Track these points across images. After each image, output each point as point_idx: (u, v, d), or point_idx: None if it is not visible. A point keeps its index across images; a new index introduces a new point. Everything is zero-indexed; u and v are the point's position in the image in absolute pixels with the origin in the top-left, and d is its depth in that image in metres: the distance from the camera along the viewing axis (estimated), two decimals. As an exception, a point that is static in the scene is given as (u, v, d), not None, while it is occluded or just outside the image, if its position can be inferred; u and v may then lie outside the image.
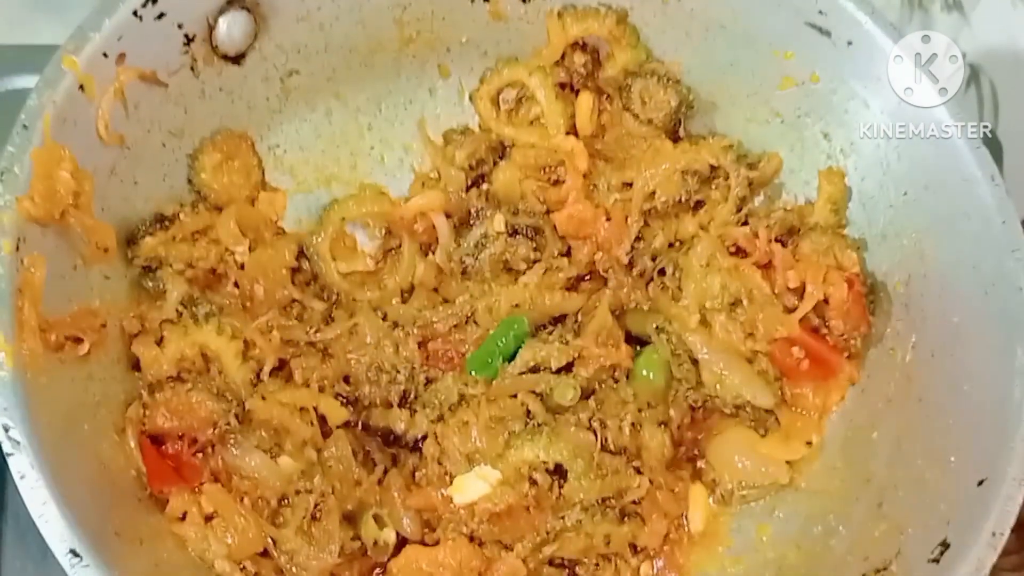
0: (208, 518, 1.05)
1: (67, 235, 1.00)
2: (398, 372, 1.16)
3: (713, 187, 1.24)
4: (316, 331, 1.17)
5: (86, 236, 1.02)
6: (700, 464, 1.20)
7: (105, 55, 1.01)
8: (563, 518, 1.09)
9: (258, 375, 1.12)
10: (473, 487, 1.08)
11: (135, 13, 1.02)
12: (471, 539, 1.08)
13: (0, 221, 0.92)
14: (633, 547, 1.14)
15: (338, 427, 1.12)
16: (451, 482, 1.09)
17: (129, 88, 1.04)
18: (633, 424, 1.15)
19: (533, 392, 1.14)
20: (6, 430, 0.86)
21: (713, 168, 1.23)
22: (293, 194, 1.28)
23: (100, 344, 1.03)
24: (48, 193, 0.96)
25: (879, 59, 1.14)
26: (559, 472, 1.10)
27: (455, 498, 1.08)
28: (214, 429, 1.06)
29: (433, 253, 1.24)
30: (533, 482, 1.09)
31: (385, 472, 1.12)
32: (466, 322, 1.20)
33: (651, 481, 1.14)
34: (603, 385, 1.16)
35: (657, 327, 1.18)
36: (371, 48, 1.27)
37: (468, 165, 1.27)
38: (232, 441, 1.06)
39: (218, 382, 1.10)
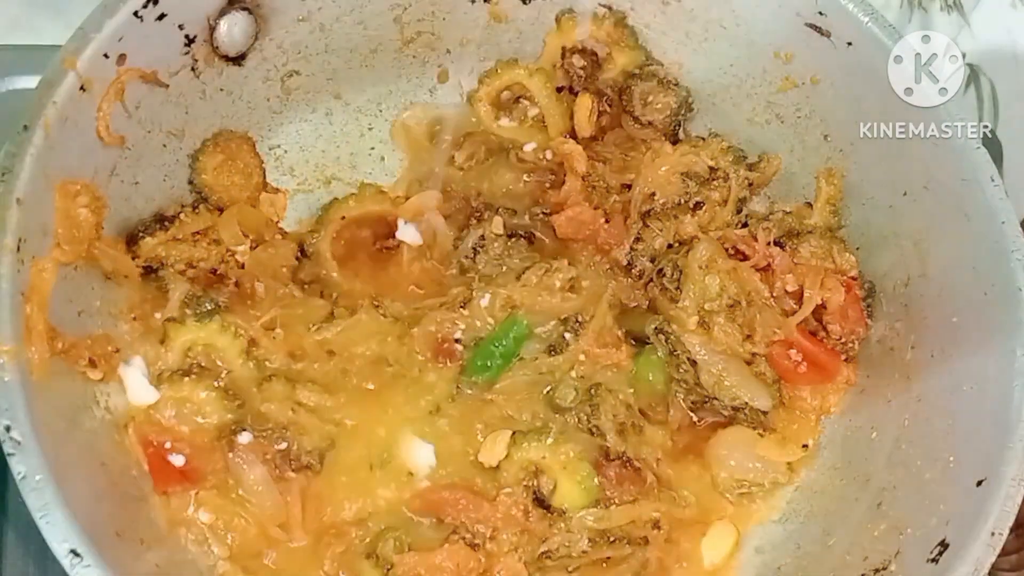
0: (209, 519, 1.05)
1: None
2: (402, 365, 1.17)
3: (712, 188, 1.24)
4: (318, 329, 1.17)
5: (110, 265, 1.04)
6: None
7: (106, 56, 1.01)
8: (568, 545, 1.09)
9: (263, 373, 1.12)
10: (496, 449, 1.10)
11: (136, 14, 1.02)
12: (474, 547, 1.08)
13: (0, 220, 0.92)
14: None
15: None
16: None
17: (130, 89, 1.04)
18: (633, 424, 1.15)
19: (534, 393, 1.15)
20: (7, 430, 0.86)
21: (712, 170, 1.23)
22: (293, 194, 1.28)
23: (112, 369, 1.04)
24: (72, 236, 0.98)
25: (879, 59, 1.14)
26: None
27: (482, 457, 1.11)
28: (219, 429, 1.07)
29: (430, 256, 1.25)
30: (537, 501, 1.10)
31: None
32: (463, 310, 1.20)
33: (653, 471, 1.14)
34: (603, 386, 1.16)
35: (656, 328, 1.18)
36: (371, 48, 1.27)
37: (467, 166, 1.27)
38: (239, 450, 1.06)
39: (224, 380, 1.10)
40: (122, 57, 1.02)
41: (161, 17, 1.04)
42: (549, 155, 1.25)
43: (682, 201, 1.23)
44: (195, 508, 1.04)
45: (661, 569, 1.13)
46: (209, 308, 1.11)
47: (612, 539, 1.10)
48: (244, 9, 1.13)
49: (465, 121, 1.30)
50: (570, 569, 1.10)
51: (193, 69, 1.13)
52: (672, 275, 1.19)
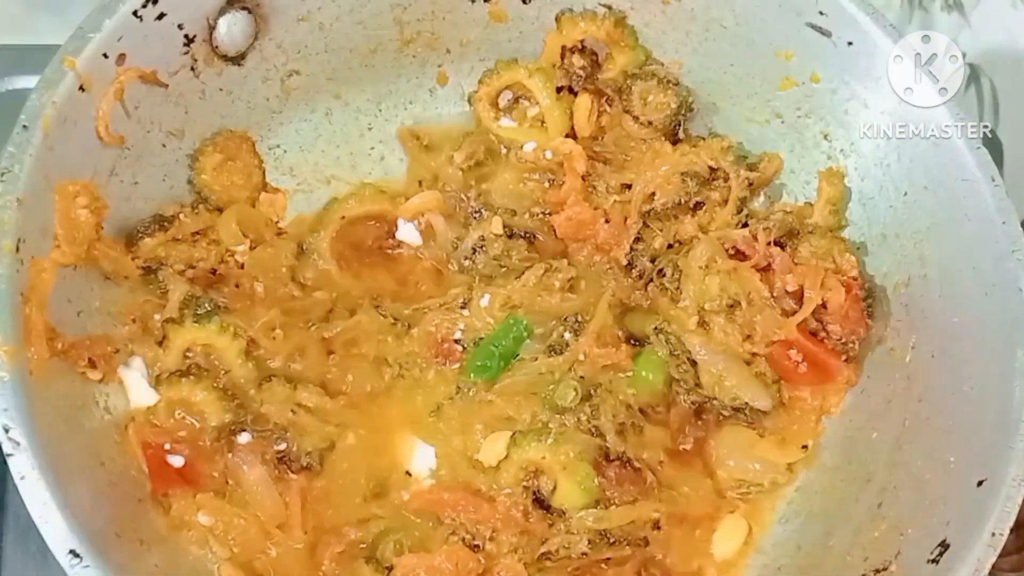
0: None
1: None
2: (401, 365, 1.17)
3: (713, 188, 1.24)
4: (317, 328, 1.17)
5: (109, 266, 1.04)
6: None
7: (105, 55, 1.01)
8: (568, 547, 1.09)
9: (263, 374, 1.12)
10: (496, 449, 1.10)
11: (135, 13, 1.02)
12: (473, 548, 1.08)
13: (0, 221, 0.92)
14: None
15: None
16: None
17: (129, 88, 1.05)
18: (633, 424, 1.15)
19: (534, 394, 1.15)
20: (6, 431, 0.86)
21: (712, 170, 1.23)
22: (293, 194, 1.28)
23: (111, 370, 1.04)
24: (72, 237, 0.98)
25: (879, 59, 1.14)
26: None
27: (482, 456, 1.11)
28: (218, 430, 1.07)
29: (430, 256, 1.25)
30: (536, 502, 1.10)
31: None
32: (463, 310, 1.20)
33: (652, 471, 1.14)
34: (603, 386, 1.16)
35: (656, 328, 1.18)
36: (371, 48, 1.27)
37: (467, 167, 1.27)
38: (238, 451, 1.06)
39: (223, 381, 1.10)
40: (121, 57, 1.03)
41: (160, 17, 1.05)
42: (549, 155, 1.25)
43: (682, 201, 1.23)
44: (195, 510, 1.04)
45: (663, 569, 1.12)
46: (208, 309, 1.11)
47: (612, 541, 1.10)
48: (244, 9, 1.13)
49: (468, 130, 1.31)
50: (570, 570, 1.10)
51: (192, 69, 1.13)
52: (672, 275, 1.19)
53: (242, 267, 1.18)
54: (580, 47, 1.27)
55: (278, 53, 1.20)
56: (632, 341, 1.20)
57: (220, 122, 1.20)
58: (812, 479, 1.19)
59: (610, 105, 1.28)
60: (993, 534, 0.94)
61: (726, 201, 1.23)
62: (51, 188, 0.97)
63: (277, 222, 1.25)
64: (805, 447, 1.19)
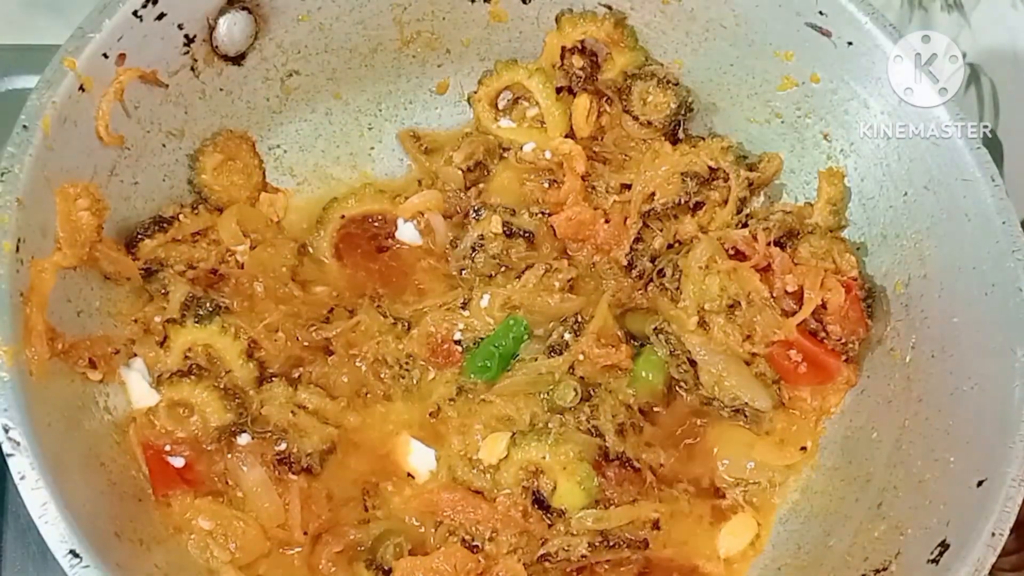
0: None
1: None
2: (401, 366, 1.17)
3: (713, 188, 1.24)
4: (316, 329, 1.17)
5: (110, 267, 1.04)
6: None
7: (105, 55, 1.01)
8: (568, 549, 1.08)
9: (263, 375, 1.12)
10: (496, 449, 1.10)
11: (135, 13, 1.02)
12: (473, 549, 1.08)
13: (0, 221, 0.92)
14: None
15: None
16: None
17: (129, 88, 1.05)
18: (633, 424, 1.15)
19: (534, 394, 1.15)
20: (6, 431, 0.86)
21: (712, 170, 1.23)
22: (293, 194, 1.28)
23: (112, 370, 1.04)
24: (73, 240, 0.98)
25: (879, 59, 1.14)
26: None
27: (482, 455, 1.11)
28: (219, 431, 1.07)
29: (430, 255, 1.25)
30: (536, 502, 1.10)
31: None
32: (463, 310, 1.20)
33: (652, 471, 1.14)
34: (602, 386, 1.16)
35: (656, 328, 1.18)
36: (371, 48, 1.27)
37: (466, 167, 1.27)
38: (238, 452, 1.06)
39: (224, 381, 1.10)
40: (121, 57, 1.03)
41: (160, 17, 1.05)
42: (549, 155, 1.25)
43: (682, 201, 1.23)
44: (194, 513, 1.04)
45: (663, 570, 1.12)
46: (210, 309, 1.11)
47: (611, 543, 1.10)
48: (244, 8, 1.13)
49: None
50: (569, 571, 1.10)
51: (192, 69, 1.13)
52: (672, 275, 1.19)
53: (242, 267, 1.18)
54: (580, 47, 1.27)
55: (278, 53, 1.20)
56: (632, 341, 1.20)
57: (220, 122, 1.20)
58: (812, 479, 1.19)
59: (610, 105, 1.28)
60: (993, 534, 0.94)
61: (726, 201, 1.23)
62: (51, 188, 0.97)
63: (277, 222, 1.25)
64: (804, 448, 1.19)
